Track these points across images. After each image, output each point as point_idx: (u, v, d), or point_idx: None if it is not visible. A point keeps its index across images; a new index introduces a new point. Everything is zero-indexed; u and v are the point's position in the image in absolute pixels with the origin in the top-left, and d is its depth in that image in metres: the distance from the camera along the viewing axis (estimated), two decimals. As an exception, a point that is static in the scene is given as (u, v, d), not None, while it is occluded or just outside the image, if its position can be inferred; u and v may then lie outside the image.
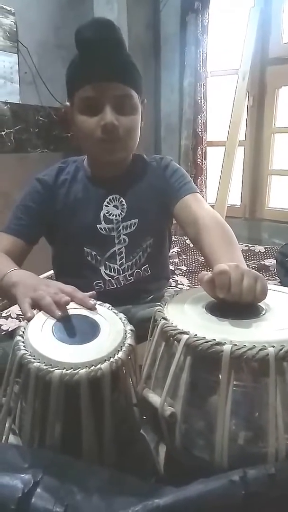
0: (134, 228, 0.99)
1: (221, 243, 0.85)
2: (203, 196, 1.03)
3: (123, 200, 0.99)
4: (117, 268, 0.99)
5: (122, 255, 0.99)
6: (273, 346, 0.51)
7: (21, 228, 0.96)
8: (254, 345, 0.51)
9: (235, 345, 0.51)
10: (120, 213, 0.98)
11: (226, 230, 0.90)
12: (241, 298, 0.59)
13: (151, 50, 2.77)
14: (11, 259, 0.90)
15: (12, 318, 1.48)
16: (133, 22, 2.47)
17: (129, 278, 1.00)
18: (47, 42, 2.23)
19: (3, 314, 1.51)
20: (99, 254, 0.98)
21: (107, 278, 0.99)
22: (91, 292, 0.73)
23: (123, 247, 0.99)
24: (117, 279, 0.99)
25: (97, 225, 0.98)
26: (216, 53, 2.62)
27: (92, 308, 0.68)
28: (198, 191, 1.01)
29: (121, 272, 0.99)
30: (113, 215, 0.98)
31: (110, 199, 0.99)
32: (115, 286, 0.99)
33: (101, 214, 0.98)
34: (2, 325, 1.45)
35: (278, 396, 0.50)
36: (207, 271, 0.63)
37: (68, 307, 0.67)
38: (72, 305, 0.68)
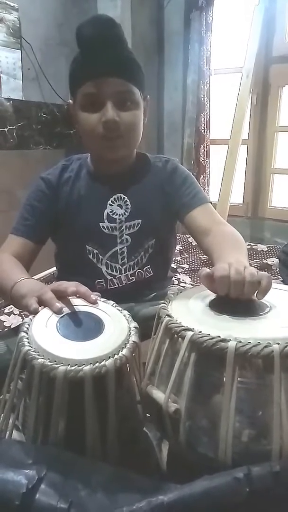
0: (137, 228, 0.99)
1: (230, 250, 0.85)
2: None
3: (128, 200, 0.99)
4: (119, 267, 0.99)
5: (124, 255, 0.99)
6: (278, 343, 0.51)
7: (28, 229, 0.97)
8: (258, 342, 0.51)
9: (240, 342, 0.51)
10: (124, 212, 0.98)
11: (238, 241, 0.91)
12: (244, 291, 0.61)
13: (155, 47, 2.76)
14: (21, 261, 0.91)
15: (14, 314, 1.49)
16: (137, 19, 2.46)
17: (130, 278, 1.00)
18: (50, 39, 2.22)
19: (6, 311, 1.51)
20: (101, 252, 0.98)
21: (108, 277, 0.99)
22: (95, 293, 0.73)
23: (125, 247, 0.98)
24: (119, 278, 0.99)
25: (100, 224, 0.98)
26: (220, 51, 2.61)
27: (94, 303, 0.69)
28: (210, 201, 1.01)
29: (122, 272, 0.99)
30: (116, 214, 0.98)
31: (114, 198, 0.98)
32: (117, 285, 0.99)
33: (105, 213, 0.98)
34: (4, 321, 1.45)
35: (283, 393, 0.50)
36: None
37: (72, 304, 0.67)
38: (76, 302, 0.68)
